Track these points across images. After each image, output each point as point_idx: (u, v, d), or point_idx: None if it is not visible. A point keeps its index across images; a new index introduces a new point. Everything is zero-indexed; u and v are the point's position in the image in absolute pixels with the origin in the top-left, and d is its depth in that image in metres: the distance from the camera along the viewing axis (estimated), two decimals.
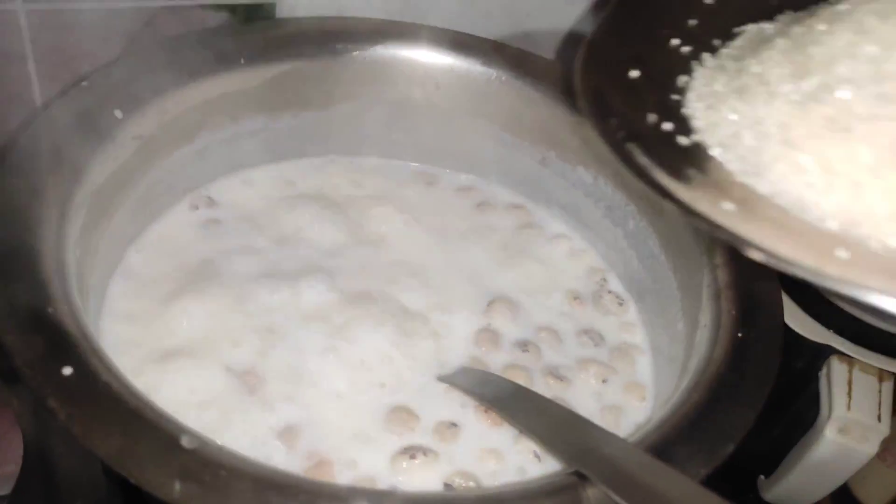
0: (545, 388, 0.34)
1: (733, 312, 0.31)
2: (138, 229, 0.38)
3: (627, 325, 0.39)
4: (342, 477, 0.29)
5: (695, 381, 0.28)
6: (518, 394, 0.30)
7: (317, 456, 0.29)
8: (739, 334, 0.30)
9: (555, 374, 0.35)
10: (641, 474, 0.22)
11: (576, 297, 0.40)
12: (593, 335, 0.38)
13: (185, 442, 0.22)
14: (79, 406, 0.22)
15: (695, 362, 0.30)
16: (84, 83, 0.35)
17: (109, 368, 0.24)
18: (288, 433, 0.30)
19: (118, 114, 0.35)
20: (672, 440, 0.25)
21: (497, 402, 0.30)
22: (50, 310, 0.25)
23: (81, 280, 0.30)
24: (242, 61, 0.40)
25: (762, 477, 0.45)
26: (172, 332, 0.33)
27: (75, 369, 0.23)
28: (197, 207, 0.41)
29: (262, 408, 0.31)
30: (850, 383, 0.40)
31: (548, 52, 0.44)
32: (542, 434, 0.27)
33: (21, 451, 0.37)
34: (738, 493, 0.46)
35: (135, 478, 0.21)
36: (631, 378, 0.36)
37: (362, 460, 0.30)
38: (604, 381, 0.35)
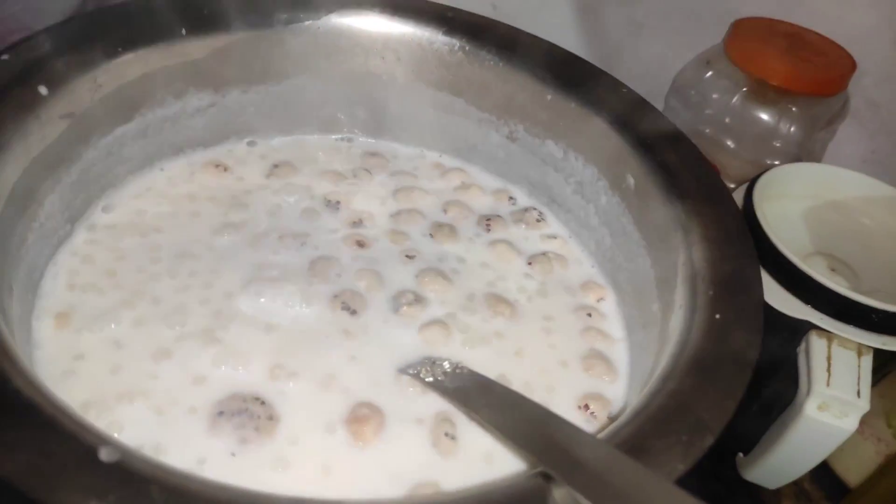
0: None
1: (710, 292, 0.29)
2: (74, 217, 0.35)
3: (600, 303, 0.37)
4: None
5: (670, 368, 0.26)
6: (483, 387, 0.28)
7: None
8: (717, 316, 0.28)
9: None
10: (611, 475, 0.20)
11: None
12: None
13: (105, 455, 0.20)
14: None
15: (670, 347, 0.28)
16: (3, 56, 0.32)
17: (22, 372, 0.22)
18: None
19: (42, 90, 0.32)
20: (646, 434, 0.23)
21: (460, 394, 0.28)
22: None
23: (3, 275, 0.27)
24: (184, 31, 0.37)
25: (741, 455, 0.44)
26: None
27: None
28: (143, 192, 0.38)
29: None
30: (829, 359, 0.39)
31: (517, 22, 0.42)
32: (508, 429, 0.25)
33: None
34: (717, 471, 0.45)
35: (43, 499, 0.18)
36: (606, 366, 0.34)
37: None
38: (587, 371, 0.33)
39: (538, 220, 0.41)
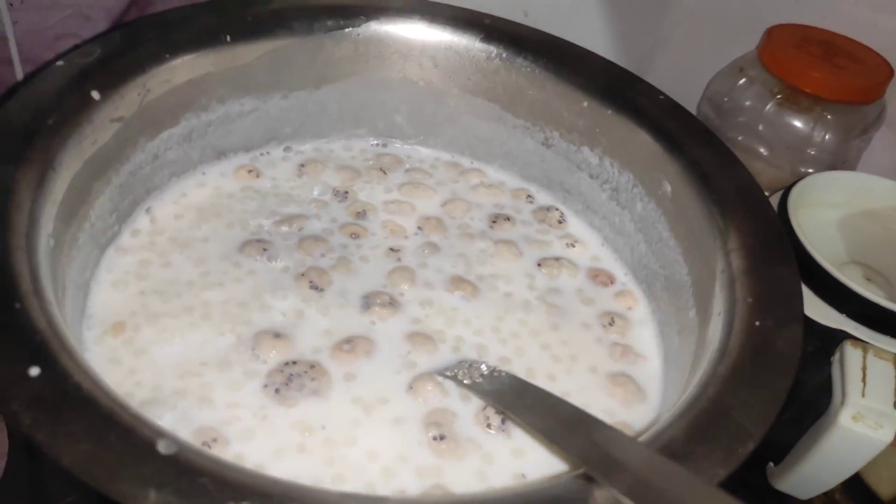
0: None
1: (749, 300, 0.29)
2: (121, 218, 0.36)
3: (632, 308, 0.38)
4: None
5: (709, 375, 0.26)
6: (521, 389, 0.29)
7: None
8: (757, 323, 0.28)
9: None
10: (654, 477, 0.20)
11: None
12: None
13: (162, 447, 0.20)
14: (44, 410, 0.21)
15: (708, 354, 0.28)
16: (59, 63, 0.33)
17: (81, 367, 0.22)
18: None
19: (95, 95, 0.33)
20: (687, 439, 0.23)
21: (500, 397, 0.28)
22: (17, 305, 0.24)
23: (57, 275, 0.28)
24: (228, 38, 0.38)
25: (771, 464, 0.44)
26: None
27: (43, 370, 0.22)
28: (185, 195, 0.39)
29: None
30: (864, 369, 0.39)
31: (549, 29, 0.42)
32: (549, 432, 0.25)
33: (6, 446, 0.36)
34: (747, 480, 0.45)
35: (104, 488, 0.19)
36: (638, 376, 0.34)
37: None
38: (612, 383, 0.33)
39: (560, 222, 0.41)
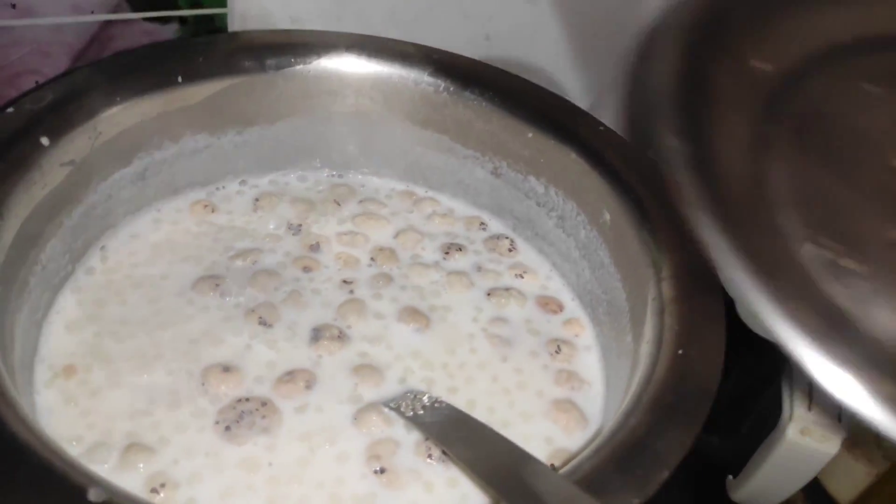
0: None
1: (676, 328, 0.30)
2: (74, 259, 0.37)
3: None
4: None
5: (633, 404, 0.27)
6: (459, 421, 0.29)
7: None
8: (680, 351, 0.29)
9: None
10: None
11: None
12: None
13: (93, 495, 0.21)
14: None
15: (636, 380, 0.29)
16: (9, 109, 0.34)
17: (18, 416, 0.23)
18: None
19: (45, 141, 0.34)
20: (605, 469, 0.24)
21: (438, 429, 0.29)
22: None
23: (4, 320, 0.29)
24: (180, 79, 0.39)
25: (730, 477, 0.45)
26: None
27: None
28: (139, 233, 0.40)
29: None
30: (810, 383, 0.40)
31: (511, 53, 0.43)
32: (474, 465, 0.26)
33: None
34: (707, 493, 0.46)
35: None
36: (582, 402, 0.35)
37: None
38: (556, 409, 0.34)
39: (510, 250, 0.43)
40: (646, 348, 0.30)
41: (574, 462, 0.25)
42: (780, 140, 0.25)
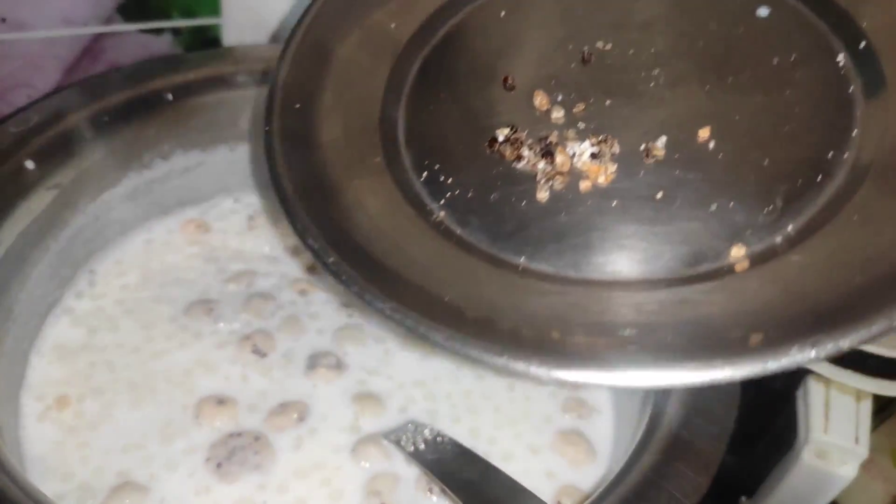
0: None
1: None
2: (63, 284, 0.36)
3: None
4: None
5: (645, 439, 0.26)
6: (462, 458, 0.28)
7: None
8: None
9: None
10: None
11: None
12: None
13: None
14: None
15: (647, 415, 0.27)
16: None
17: (6, 469, 0.22)
18: None
19: (29, 164, 0.32)
20: None
21: (440, 467, 0.28)
22: None
23: None
24: (170, 97, 0.38)
25: (744, 498, 0.44)
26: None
27: None
28: (130, 255, 0.38)
29: None
30: (826, 404, 0.39)
31: None
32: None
33: None
34: None
35: None
36: (591, 432, 0.33)
37: None
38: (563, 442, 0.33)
39: None
40: None
41: (587, 503, 0.24)
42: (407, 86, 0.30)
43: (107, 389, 0.32)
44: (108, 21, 0.42)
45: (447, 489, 0.26)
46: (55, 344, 0.34)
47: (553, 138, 0.28)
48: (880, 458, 0.45)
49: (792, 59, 0.28)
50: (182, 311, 0.36)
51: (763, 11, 0.30)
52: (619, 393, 0.35)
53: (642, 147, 0.27)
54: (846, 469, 0.37)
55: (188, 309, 0.36)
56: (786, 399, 0.41)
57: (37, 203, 0.33)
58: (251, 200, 0.43)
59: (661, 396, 0.28)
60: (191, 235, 0.40)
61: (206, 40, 0.45)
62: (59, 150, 0.34)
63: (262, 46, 0.42)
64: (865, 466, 0.38)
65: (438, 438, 0.30)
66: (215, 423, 0.31)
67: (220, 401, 0.32)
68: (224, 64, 0.39)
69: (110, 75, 0.38)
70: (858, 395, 0.39)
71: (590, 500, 0.24)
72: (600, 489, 0.25)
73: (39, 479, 0.28)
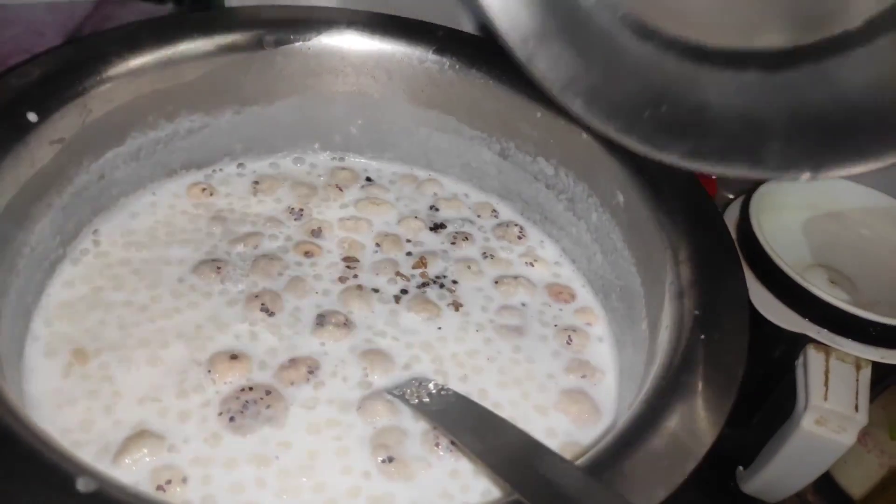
0: None
1: (696, 312, 0.29)
2: (66, 241, 0.35)
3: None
4: None
5: (654, 390, 0.26)
6: (467, 409, 0.28)
7: None
8: (703, 336, 0.28)
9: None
10: None
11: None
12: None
13: (82, 485, 0.20)
14: None
15: (655, 368, 0.28)
16: None
17: (4, 402, 0.22)
18: None
19: (32, 117, 0.32)
20: (627, 461, 0.23)
21: (445, 418, 0.28)
22: None
23: None
24: (175, 56, 0.37)
25: (741, 468, 0.44)
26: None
27: None
28: (135, 215, 0.38)
29: None
30: (826, 373, 0.39)
31: None
32: (486, 456, 0.25)
33: None
34: (718, 484, 0.45)
35: None
36: (595, 392, 0.34)
37: None
38: (567, 400, 0.33)
39: (519, 238, 0.41)
40: (664, 335, 0.29)
41: (595, 450, 0.24)
42: None
43: (119, 346, 0.32)
44: None
45: (455, 440, 0.26)
46: (61, 301, 0.33)
47: None
48: (876, 430, 0.45)
49: None
50: (190, 271, 0.36)
51: None
52: (623, 354, 0.35)
53: None
54: (845, 436, 0.38)
55: (196, 268, 0.36)
56: (784, 369, 0.41)
57: (39, 156, 0.32)
58: (256, 167, 0.43)
59: (668, 351, 0.28)
60: (196, 198, 0.40)
61: (208, 8, 0.44)
62: (62, 104, 0.33)
63: (268, 7, 0.41)
64: (861, 439, 0.39)
65: (443, 392, 0.30)
66: (228, 377, 0.31)
67: (233, 356, 0.32)
68: (229, 24, 0.39)
69: (115, 32, 0.37)
70: (858, 363, 0.39)
71: (598, 446, 0.24)
72: (609, 436, 0.25)
73: (60, 433, 0.28)
